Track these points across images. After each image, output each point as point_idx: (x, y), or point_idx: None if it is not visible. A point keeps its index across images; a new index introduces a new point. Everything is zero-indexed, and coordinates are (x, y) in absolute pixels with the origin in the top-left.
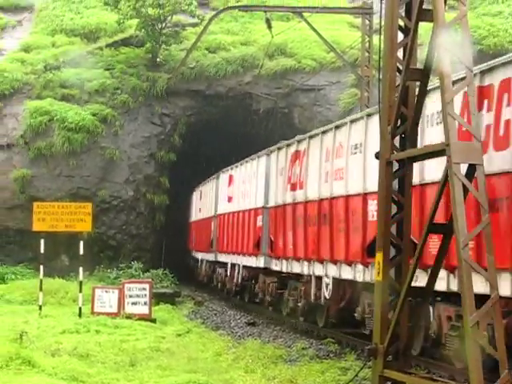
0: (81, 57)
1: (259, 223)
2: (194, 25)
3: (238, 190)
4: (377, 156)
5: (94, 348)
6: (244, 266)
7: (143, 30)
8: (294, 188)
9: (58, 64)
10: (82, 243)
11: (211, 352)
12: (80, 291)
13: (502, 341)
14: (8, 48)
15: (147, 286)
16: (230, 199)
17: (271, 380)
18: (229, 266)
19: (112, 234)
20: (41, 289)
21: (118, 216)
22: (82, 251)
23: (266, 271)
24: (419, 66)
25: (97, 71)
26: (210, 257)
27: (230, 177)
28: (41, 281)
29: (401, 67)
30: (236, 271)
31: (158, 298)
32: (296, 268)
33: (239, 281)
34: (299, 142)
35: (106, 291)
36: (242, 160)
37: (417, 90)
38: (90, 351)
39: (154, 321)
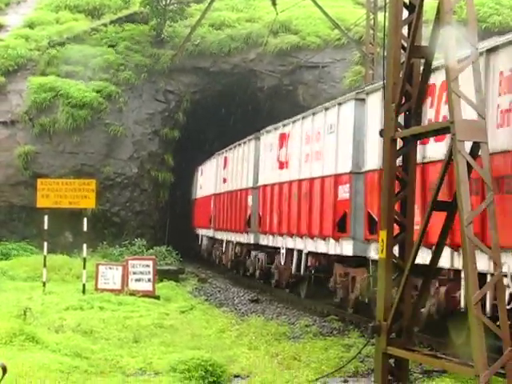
0: (85, 33)
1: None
2: (199, 1)
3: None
4: (381, 133)
5: (97, 324)
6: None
7: (148, 7)
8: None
9: (62, 40)
10: (85, 220)
11: (215, 329)
12: (84, 268)
13: (505, 318)
14: (12, 24)
15: (151, 263)
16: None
17: (274, 357)
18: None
19: (116, 210)
20: (45, 265)
21: (122, 193)
22: (85, 228)
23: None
24: (424, 43)
25: (101, 48)
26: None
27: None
28: (44, 257)
29: (405, 44)
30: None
31: (161, 275)
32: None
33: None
34: None
35: (110, 268)
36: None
37: (421, 67)
38: (93, 328)
39: (157, 297)
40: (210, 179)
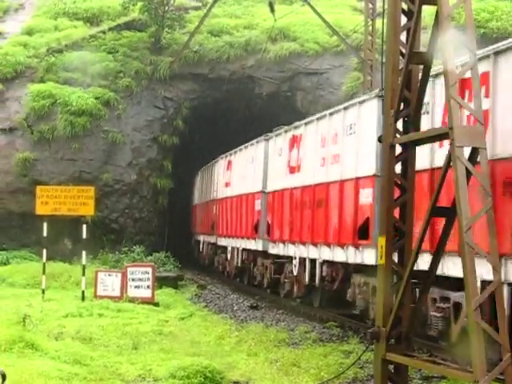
0: (83, 40)
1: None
2: (197, 8)
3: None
4: (380, 139)
5: (96, 331)
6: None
7: (146, 14)
8: None
9: (60, 47)
10: (84, 227)
11: (214, 335)
12: (83, 275)
13: (503, 324)
14: (10, 31)
15: (150, 270)
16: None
17: (274, 363)
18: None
19: (115, 217)
20: (44, 272)
21: (121, 199)
22: (84, 235)
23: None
24: (422, 49)
25: (100, 55)
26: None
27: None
28: (44, 264)
29: (404, 51)
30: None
31: (160, 282)
32: None
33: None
34: None
35: (109, 275)
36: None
37: (420, 73)
38: (92, 335)
39: (156, 304)
40: (192, 192)
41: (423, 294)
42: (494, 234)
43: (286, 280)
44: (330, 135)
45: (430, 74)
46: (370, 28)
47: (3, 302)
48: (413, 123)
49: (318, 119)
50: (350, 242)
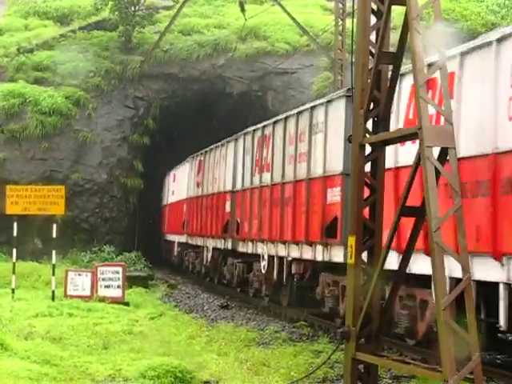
0: (54, 40)
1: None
2: (168, 8)
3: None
4: (349, 139)
5: (66, 331)
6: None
7: (116, 13)
8: None
9: (31, 47)
10: (55, 226)
11: (184, 335)
12: (53, 274)
13: (473, 323)
14: None
15: (120, 269)
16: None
17: (244, 363)
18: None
19: (85, 217)
20: (14, 272)
21: (91, 199)
22: (54, 234)
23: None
24: (392, 49)
25: (70, 54)
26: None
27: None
28: (14, 264)
29: (373, 51)
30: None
31: (131, 281)
32: None
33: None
34: None
35: (79, 274)
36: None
37: (389, 73)
38: (62, 334)
39: (127, 304)
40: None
41: (393, 294)
42: (463, 233)
43: (203, 263)
44: (221, 158)
45: None
46: (341, 28)
47: None
48: (382, 123)
49: (216, 147)
50: (220, 235)
